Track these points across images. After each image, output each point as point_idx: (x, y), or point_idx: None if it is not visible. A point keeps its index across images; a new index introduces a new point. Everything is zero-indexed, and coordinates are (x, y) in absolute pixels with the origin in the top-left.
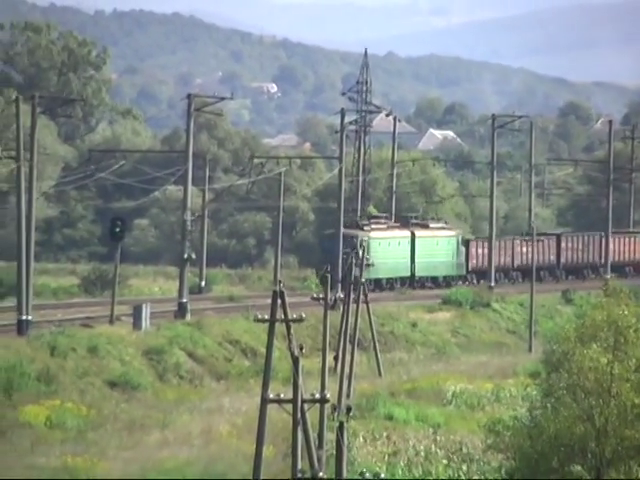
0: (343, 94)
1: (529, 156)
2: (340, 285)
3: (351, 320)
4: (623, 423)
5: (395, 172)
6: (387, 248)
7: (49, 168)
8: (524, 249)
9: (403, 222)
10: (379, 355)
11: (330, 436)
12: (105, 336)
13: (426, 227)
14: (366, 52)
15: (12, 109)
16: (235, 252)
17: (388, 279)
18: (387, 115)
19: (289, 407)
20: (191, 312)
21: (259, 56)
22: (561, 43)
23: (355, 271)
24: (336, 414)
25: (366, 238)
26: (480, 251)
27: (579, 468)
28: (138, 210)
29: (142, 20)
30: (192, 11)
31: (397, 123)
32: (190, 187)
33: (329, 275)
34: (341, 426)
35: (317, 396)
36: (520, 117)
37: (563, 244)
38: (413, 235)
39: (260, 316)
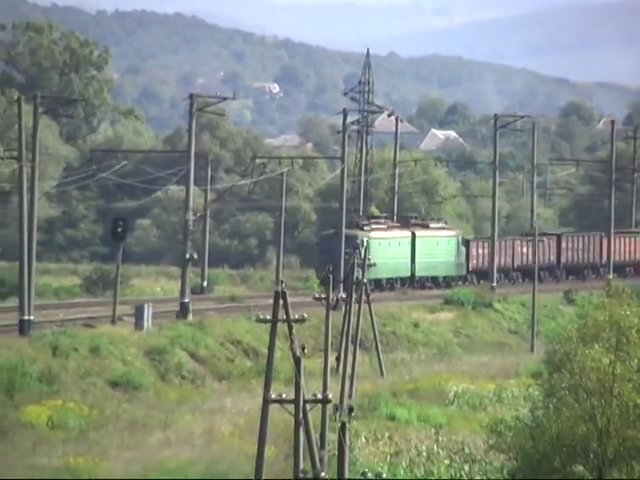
0: (345, 94)
1: (531, 156)
2: (342, 285)
3: (353, 320)
4: (625, 423)
5: (397, 172)
6: (387, 248)
7: (51, 168)
8: (524, 249)
9: (403, 222)
10: (381, 355)
11: (332, 436)
12: (107, 336)
13: (426, 227)
14: (368, 52)
15: (14, 109)
16: (237, 252)
17: (388, 279)
18: (389, 115)
19: (291, 407)
20: (193, 312)
21: (261, 56)
22: (563, 43)
23: (356, 271)
24: (338, 414)
25: (366, 238)
26: (480, 251)
27: (581, 468)
28: (140, 210)
29: (144, 20)
30: (194, 11)
31: (399, 123)
32: (192, 187)
33: (331, 275)
34: (343, 426)
35: (319, 396)
36: (522, 117)
37: (563, 244)
38: (413, 235)
39: (262, 316)
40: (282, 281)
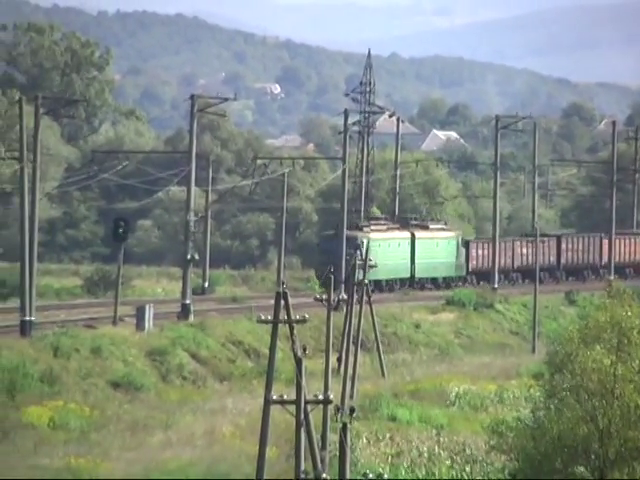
0: (346, 95)
1: (532, 157)
2: (343, 286)
3: (354, 321)
4: (626, 424)
5: (398, 173)
6: (387, 249)
7: (52, 169)
8: (524, 250)
9: (403, 223)
10: (382, 356)
11: (333, 437)
12: (108, 337)
13: (426, 228)
14: (369, 53)
15: (15, 110)
16: (238, 253)
17: (388, 280)
18: (390, 116)
19: (292, 408)
20: (194, 313)
21: (262, 57)
22: (564, 44)
23: (357, 272)
24: (339, 415)
25: (365, 239)
26: (480, 252)
27: (582, 469)
28: (141, 211)
29: (145, 21)
30: (195, 12)
31: (400, 124)
32: (193, 188)
33: (332, 276)
34: (344, 427)
35: (320, 397)
36: (523, 118)
37: (563, 245)
38: (413, 236)
39: (263, 317)
40: (283, 282)
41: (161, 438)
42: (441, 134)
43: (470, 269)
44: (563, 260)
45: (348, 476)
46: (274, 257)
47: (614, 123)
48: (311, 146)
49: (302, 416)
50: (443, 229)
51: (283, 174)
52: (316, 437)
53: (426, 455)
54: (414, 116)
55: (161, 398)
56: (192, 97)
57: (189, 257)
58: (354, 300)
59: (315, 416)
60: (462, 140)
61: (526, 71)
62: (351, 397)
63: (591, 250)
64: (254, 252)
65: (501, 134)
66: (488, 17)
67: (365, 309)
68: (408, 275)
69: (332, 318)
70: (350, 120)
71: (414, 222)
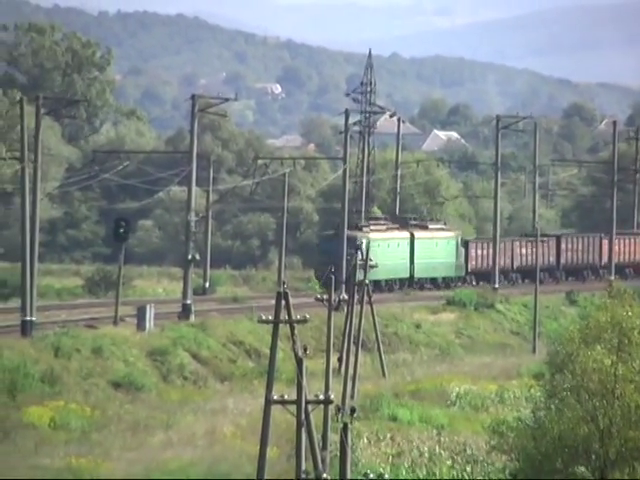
0: (347, 95)
1: (533, 157)
2: (344, 286)
3: (355, 321)
4: (627, 424)
5: (399, 173)
6: (386, 249)
7: (53, 169)
8: (524, 250)
9: (402, 223)
10: (383, 356)
11: (334, 437)
12: (109, 337)
13: (425, 228)
14: (370, 53)
15: (16, 110)
16: (239, 253)
17: (387, 280)
18: (391, 116)
19: (293, 408)
20: (195, 313)
21: (263, 57)
22: (565, 44)
23: (357, 272)
24: (340, 415)
25: (365, 239)
26: (480, 252)
27: (583, 469)
28: (142, 211)
29: (146, 21)
30: (196, 12)
31: (401, 124)
32: (194, 188)
33: (333, 276)
34: (345, 427)
35: (321, 397)
36: (524, 118)
37: (563, 245)
38: (412, 236)
39: (264, 317)
40: (284, 282)
41: (162, 438)
42: (442, 134)
43: (469, 269)
44: (563, 260)
45: (349, 476)
46: (275, 257)
47: (615, 123)
48: (312, 146)
49: (303, 416)
50: (442, 229)
51: (284, 174)
52: (317, 437)
53: (427, 455)
54: (415, 116)
55: (162, 398)
56: (193, 97)
57: (190, 257)
58: (355, 300)
59: (316, 416)
60: (463, 140)
61: (527, 71)
62: (352, 397)
63: (591, 250)
64: (255, 252)
65: (502, 134)
66: (489, 17)
67: (366, 309)
68: (407, 275)
69: (333, 318)
70: (351, 120)
71: (413, 222)
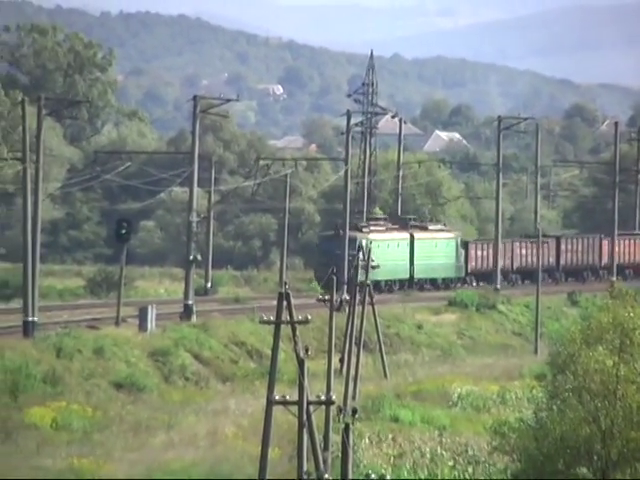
0: (349, 96)
1: (535, 158)
2: (345, 287)
3: (357, 322)
4: (629, 425)
5: (401, 174)
6: (386, 250)
7: (55, 170)
8: (524, 251)
9: (402, 224)
10: (385, 357)
11: (336, 438)
12: (111, 338)
13: (425, 229)
14: (372, 54)
15: (18, 111)
16: (241, 254)
17: (387, 281)
18: (393, 117)
19: (295, 409)
20: (197, 314)
21: (265, 58)
22: (567, 44)
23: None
24: (342, 416)
25: (365, 240)
26: (479, 253)
27: (585, 470)
28: (144, 212)
29: (148, 22)
30: (198, 13)
31: (403, 125)
32: (196, 189)
33: (334, 277)
34: (347, 428)
35: (323, 398)
36: (526, 119)
37: (563, 246)
38: (412, 237)
39: (266, 318)
40: (286, 282)
41: (164, 439)
42: (444, 135)
43: (469, 270)
44: (562, 261)
45: (350, 477)
46: (276, 258)
47: (616, 124)
48: (313, 147)
49: (304, 417)
50: (442, 230)
51: (285, 175)
52: (318, 438)
53: (428, 456)
54: (417, 117)
55: (164, 399)
56: (195, 98)
57: (191, 258)
58: (356, 301)
59: (317, 417)
60: (464, 141)
61: (528, 72)
62: (353, 398)
63: (590, 251)
64: (256, 253)
65: (503, 135)
66: (491, 18)
67: (367, 310)
68: (407, 276)
69: (334, 319)
70: (353, 121)
71: (413, 223)
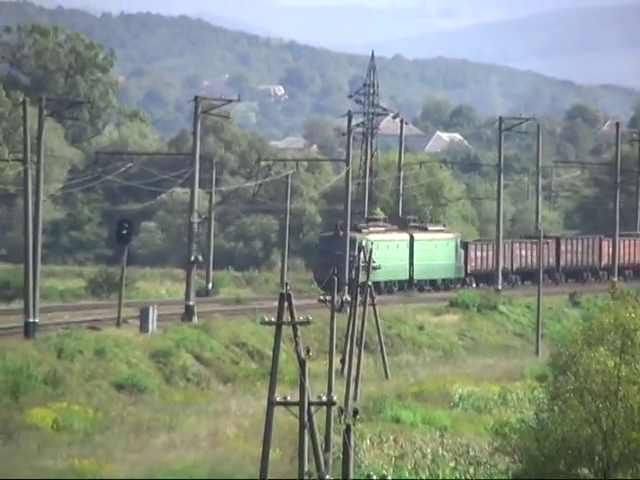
0: (350, 97)
1: (536, 159)
2: (346, 288)
3: (358, 323)
4: (630, 426)
5: (402, 175)
6: (385, 251)
7: (56, 171)
8: (523, 252)
9: (401, 225)
10: (386, 358)
11: (337, 439)
12: (112, 339)
13: (424, 230)
14: (373, 55)
15: (19, 112)
16: (242, 254)
17: (386, 282)
18: (394, 118)
19: (296, 410)
20: (198, 315)
21: (266, 58)
22: (568, 45)
23: (356, 273)
24: (343, 417)
25: (364, 241)
26: (479, 254)
27: (586, 471)
28: (145, 212)
29: (149, 23)
30: (199, 14)
31: (404, 126)
32: (197, 190)
33: (336, 278)
34: (348, 429)
35: (324, 399)
36: (527, 120)
37: (562, 247)
38: (411, 238)
39: (267, 319)
40: (287, 283)
41: (165, 440)
42: (445, 136)
43: (469, 271)
44: (562, 262)
45: (351, 478)
46: (278, 259)
47: (618, 125)
48: (315, 148)
49: (306, 418)
50: (442, 231)
51: (287, 176)
52: (320, 439)
53: (430, 457)
54: (418, 118)
55: (165, 400)
56: (196, 99)
57: (193, 259)
58: (357, 302)
59: (318, 418)
60: (466, 142)
61: (530, 73)
62: (355, 399)
63: (590, 252)
64: (258, 254)
65: (505, 136)
66: (492, 19)
67: (368, 311)
68: (406, 277)
69: (335, 320)
70: (354, 122)
71: (413, 224)
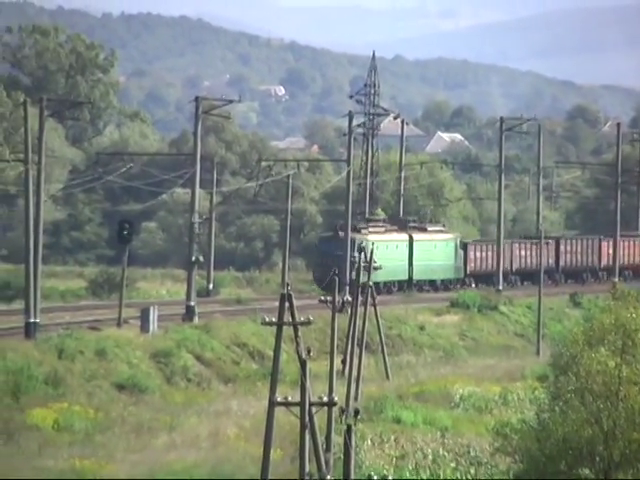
0: (351, 97)
1: (537, 159)
2: (347, 288)
3: (359, 323)
4: (631, 426)
5: (403, 175)
6: (385, 251)
7: (57, 171)
8: (523, 252)
9: (401, 225)
10: (387, 358)
11: (338, 439)
12: (113, 339)
13: (424, 230)
14: (374, 55)
15: (20, 112)
16: (243, 255)
17: (385, 282)
18: (395, 118)
19: (297, 410)
20: (199, 315)
21: (267, 59)
22: (569, 46)
23: (357, 274)
24: (344, 417)
25: (363, 241)
26: (478, 254)
27: (587, 471)
28: (146, 213)
29: (150, 23)
30: (200, 14)
31: (405, 126)
32: (198, 190)
33: (337, 278)
34: (349, 429)
35: (325, 399)
36: (528, 120)
37: (562, 247)
38: (411, 238)
39: (268, 319)
40: (288, 284)
41: (166, 440)
42: (446, 136)
43: (468, 271)
44: (562, 262)
45: (352, 478)
46: (279, 259)
47: (618, 125)
48: (315, 148)
49: (307, 418)
50: (441, 231)
51: (287, 176)
52: (320, 439)
53: (431, 457)
54: (418, 118)
55: (166, 400)
56: (196, 99)
57: (193, 259)
58: (358, 302)
59: (319, 418)
60: (467, 142)
61: (530, 73)
62: (356, 399)
63: (589, 253)
64: (258, 254)
65: (506, 136)
66: (492, 19)
67: (369, 311)
68: (406, 277)
69: (336, 320)
70: (355, 122)
71: (412, 224)
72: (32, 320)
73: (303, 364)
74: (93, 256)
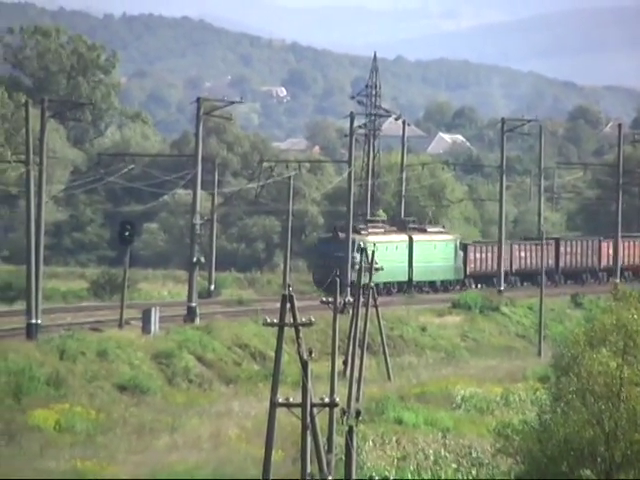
0: (352, 98)
1: (538, 160)
2: (349, 289)
3: (360, 324)
4: (633, 427)
5: (404, 176)
6: (384, 252)
7: (58, 172)
8: (522, 253)
9: (401, 226)
10: (388, 359)
11: (339, 440)
12: (114, 340)
13: (424, 231)
14: (375, 56)
15: (22, 113)
16: (244, 256)
17: (385, 284)
18: (396, 119)
19: (298, 411)
20: (200, 316)
21: (268, 60)
22: (570, 46)
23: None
24: (345, 418)
25: (362, 242)
26: (478, 255)
27: (589, 472)
28: (147, 214)
29: (151, 24)
30: (201, 15)
31: (406, 127)
32: (199, 191)
33: (338, 279)
34: (350, 430)
35: (326, 400)
36: (529, 121)
37: (562, 248)
38: (410, 239)
39: (269, 320)
40: (289, 285)
41: (167, 441)
42: (447, 137)
43: (468, 272)
44: (562, 263)
45: (354, 479)
46: (280, 260)
47: (620, 126)
48: (317, 149)
49: (308, 419)
50: (441, 232)
51: (289, 177)
52: (322, 440)
53: (432, 458)
54: (420, 119)
55: (167, 401)
56: (198, 100)
57: (195, 260)
58: (360, 303)
59: (321, 419)
60: (468, 143)
61: (532, 74)
62: (357, 400)
63: (589, 253)
64: (260, 255)
65: (507, 137)
66: (493, 20)
67: (371, 312)
68: (406, 278)
69: (338, 321)
70: (356, 123)
71: (412, 225)
72: (34, 321)
73: (304, 365)
74: (94, 257)
